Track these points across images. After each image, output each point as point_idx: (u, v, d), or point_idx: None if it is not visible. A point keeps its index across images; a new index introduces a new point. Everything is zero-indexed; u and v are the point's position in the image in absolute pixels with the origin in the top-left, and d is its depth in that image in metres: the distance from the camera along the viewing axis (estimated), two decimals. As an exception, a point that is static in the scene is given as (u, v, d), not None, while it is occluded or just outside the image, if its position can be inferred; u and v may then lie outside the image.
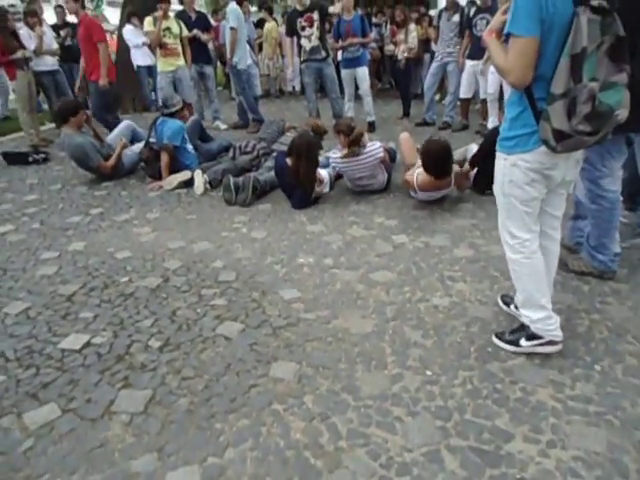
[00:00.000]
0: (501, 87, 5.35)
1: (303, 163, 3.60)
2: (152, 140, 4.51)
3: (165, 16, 5.85)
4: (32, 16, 6.14)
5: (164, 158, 4.36)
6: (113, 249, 3.20)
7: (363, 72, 5.99)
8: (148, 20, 5.99)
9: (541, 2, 1.56)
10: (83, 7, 5.24)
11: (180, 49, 6.06)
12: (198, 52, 6.38)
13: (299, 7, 5.53)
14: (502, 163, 1.86)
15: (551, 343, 2.00)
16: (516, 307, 2.19)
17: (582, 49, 1.54)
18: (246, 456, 1.62)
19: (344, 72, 6.08)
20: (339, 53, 6.46)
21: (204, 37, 6.35)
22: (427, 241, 3.12)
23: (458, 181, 3.66)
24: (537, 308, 1.97)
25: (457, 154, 4.27)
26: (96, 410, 1.84)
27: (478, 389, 1.88)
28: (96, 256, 3.12)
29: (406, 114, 6.92)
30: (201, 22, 6.50)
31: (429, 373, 1.97)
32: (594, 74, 1.57)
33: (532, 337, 2.02)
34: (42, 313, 2.50)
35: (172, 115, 4.55)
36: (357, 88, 6.27)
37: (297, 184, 3.69)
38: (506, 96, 5.42)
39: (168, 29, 5.91)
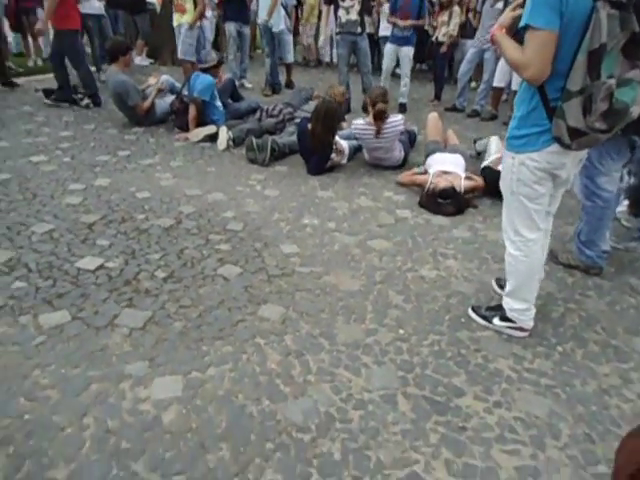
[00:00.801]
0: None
1: (319, 127, 3.74)
2: (184, 92, 4.70)
3: None
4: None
5: (192, 111, 4.54)
6: (134, 189, 3.43)
7: (407, 52, 5.96)
8: None
9: None
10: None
11: (188, 6, 5.98)
12: (239, 11, 6.44)
13: None
14: (510, 162, 1.88)
15: (521, 329, 2.14)
16: (502, 287, 2.29)
17: (601, 45, 1.53)
18: (224, 375, 1.83)
19: (388, 46, 6.06)
20: (385, 28, 6.44)
21: None
22: (429, 219, 3.26)
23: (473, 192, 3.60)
24: (520, 300, 2.09)
25: (480, 145, 4.33)
26: (101, 321, 2.08)
27: (443, 351, 2.04)
28: (118, 193, 3.35)
29: (437, 97, 6.92)
30: None
31: (402, 332, 2.14)
32: (612, 71, 1.57)
33: (505, 319, 2.16)
34: (64, 236, 2.75)
35: (206, 70, 4.71)
36: (397, 66, 6.28)
37: (315, 149, 3.83)
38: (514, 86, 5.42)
39: None
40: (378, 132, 3.83)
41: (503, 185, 1.99)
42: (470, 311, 2.29)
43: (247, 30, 6.79)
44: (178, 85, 5.24)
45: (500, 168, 3.52)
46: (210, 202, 3.30)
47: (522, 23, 1.65)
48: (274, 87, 6.79)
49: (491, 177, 3.46)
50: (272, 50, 6.50)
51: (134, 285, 2.35)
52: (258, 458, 1.51)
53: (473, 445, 1.61)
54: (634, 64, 1.60)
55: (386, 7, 6.88)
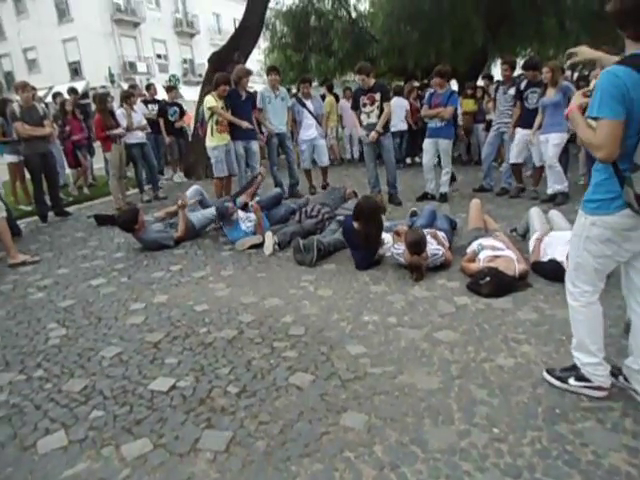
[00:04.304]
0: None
1: (372, 226, 3.84)
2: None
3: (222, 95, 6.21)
4: (128, 98, 7.06)
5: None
6: (192, 302, 3.50)
7: (444, 144, 6.18)
8: (209, 98, 6.15)
9: (623, 89, 1.77)
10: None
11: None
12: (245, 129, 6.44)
13: (363, 86, 6.04)
14: (582, 221, 2.05)
15: (599, 388, 2.14)
16: (625, 379, 2.20)
17: None
18: (321, 498, 1.72)
19: (426, 141, 6.33)
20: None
21: (245, 124, 6.25)
22: (489, 303, 3.19)
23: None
24: (588, 353, 2.13)
25: (520, 229, 4.33)
26: (183, 446, 2.02)
27: (547, 449, 1.89)
28: (177, 308, 3.42)
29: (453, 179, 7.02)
30: (250, 101, 6.52)
31: (496, 431, 2.01)
32: None
33: (581, 379, 2.17)
34: (133, 357, 2.78)
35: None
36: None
37: (364, 246, 3.91)
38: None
39: (222, 107, 6.22)
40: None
41: (572, 243, 2.14)
42: (545, 373, 2.31)
43: (255, 146, 6.66)
44: (207, 196, 5.65)
45: (541, 258, 3.52)
46: (267, 308, 3.33)
47: (590, 113, 1.88)
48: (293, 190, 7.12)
49: (543, 272, 3.49)
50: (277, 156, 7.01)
51: (209, 404, 2.31)
52: None
53: None
54: None
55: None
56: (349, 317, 3.13)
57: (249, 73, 6.54)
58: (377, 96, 5.92)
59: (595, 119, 1.86)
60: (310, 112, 7.04)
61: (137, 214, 4.85)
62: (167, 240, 4.91)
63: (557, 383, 2.25)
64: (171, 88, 9.39)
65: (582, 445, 1.90)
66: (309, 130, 7.06)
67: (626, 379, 2.19)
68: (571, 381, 2.20)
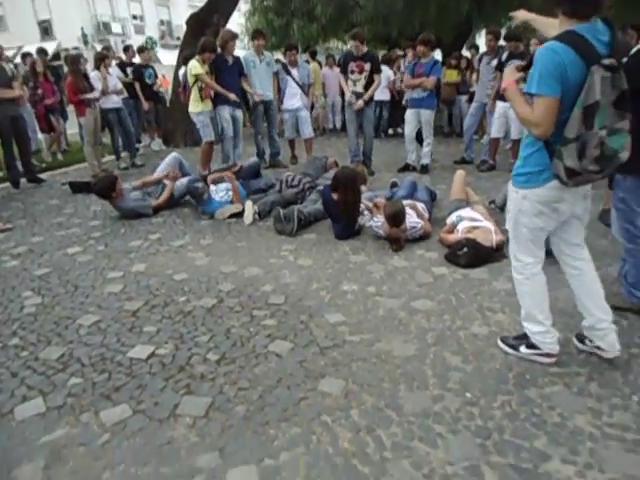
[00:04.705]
0: None
1: (350, 196, 3.84)
2: None
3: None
4: (102, 60, 6.77)
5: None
6: (171, 271, 3.48)
7: (427, 114, 6.12)
8: (194, 64, 5.87)
9: (561, 67, 1.81)
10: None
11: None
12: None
13: (355, 52, 5.91)
14: (514, 195, 2.12)
15: (548, 355, 2.25)
16: (590, 341, 2.29)
17: (595, 102, 1.77)
18: (299, 460, 1.77)
19: (408, 112, 6.27)
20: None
21: (233, 96, 6.00)
22: (466, 273, 3.25)
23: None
24: (536, 323, 2.24)
25: (499, 201, 4.36)
26: (163, 412, 2.04)
27: (516, 412, 1.97)
28: (156, 277, 3.40)
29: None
30: (237, 66, 6.28)
31: (469, 395, 2.08)
32: (604, 123, 1.79)
33: (531, 346, 2.28)
34: (111, 326, 2.76)
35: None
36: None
37: (343, 216, 3.91)
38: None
39: (207, 73, 5.99)
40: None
41: (508, 217, 2.20)
42: (499, 341, 2.42)
43: (240, 113, 6.53)
44: (187, 164, 5.50)
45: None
46: (247, 277, 3.33)
47: (529, 89, 1.89)
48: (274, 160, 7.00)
49: None
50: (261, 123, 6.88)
51: (188, 371, 2.33)
52: None
53: (575, 515, 1.52)
54: (624, 116, 1.83)
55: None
56: (328, 286, 3.15)
57: (235, 37, 6.28)
58: (367, 66, 5.84)
59: (533, 95, 1.88)
60: (295, 80, 6.84)
61: (115, 181, 4.73)
62: (145, 209, 4.82)
63: (510, 350, 2.35)
64: (143, 49, 8.75)
65: (549, 408, 1.99)
66: (293, 99, 6.80)
67: (591, 340, 2.28)
68: (522, 349, 2.31)
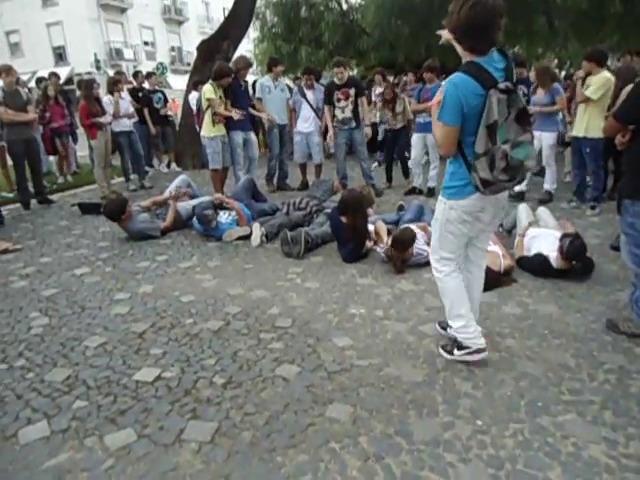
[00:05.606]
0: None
1: (358, 219, 3.86)
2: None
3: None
4: (115, 85, 6.92)
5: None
6: (178, 293, 3.48)
7: (433, 139, 6.02)
8: (208, 87, 5.91)
9: (460, 99, 2.03)
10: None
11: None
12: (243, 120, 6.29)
13: (337, 81, 6.03)
14: (442, 206, 2.32)
15: (478, 351, 2.40)
16: (444, 328, 2.65)
17: (494, 121, 1.99)
18: (306, 488, 1.73)
19: (415, 136, 6.32)
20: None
21: (237, 116, 5.94)
22: (475, 297, 3.22)
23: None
24: (457, 317, 2.41)
25: (507, 224, 4.34)
26: (168, 437, 2.01)
27: (529, 441, 1.93)
28: (163, 298, 3.39)
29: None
30: (247, 91, 6.45)
31: (480, 423, 2.04)
32: (505, 137, 2.00)
33: (462, 347, 2.43)
34: (117, 347, 2.75)
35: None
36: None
37: (351, 239, 3.92)
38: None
39: (220, 98, 6.02)
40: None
41: (435, 223, 2.40)
42: (440, 349, 2.55)
43: (253, 137, 6.55)
44: (195, 186, 5.54)
45: (526, 253, 3.59)
46: (254, 300, 3.32)
47: (437, 116, 2.13)
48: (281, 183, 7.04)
49: (529, 266, 3.55)
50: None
51: (194, 394, 2.30)
52: None
53: None
54: (525, 129, 2.04)
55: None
56: (336, 309, 3.13)
57: (249, 65, 6.47)
58: (351, 91, 5.98)
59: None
60: (310, 104, 6.88)
61: (125, 204, 4.77)
62: (153, 231, 4.85)
63: (447, 356, 2.48)
64: (151, 74, 8.92)
65: (563, 437, 1.94)
66: (306, 122, 6.77)
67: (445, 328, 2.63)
68: (455, 351, 2.45)
